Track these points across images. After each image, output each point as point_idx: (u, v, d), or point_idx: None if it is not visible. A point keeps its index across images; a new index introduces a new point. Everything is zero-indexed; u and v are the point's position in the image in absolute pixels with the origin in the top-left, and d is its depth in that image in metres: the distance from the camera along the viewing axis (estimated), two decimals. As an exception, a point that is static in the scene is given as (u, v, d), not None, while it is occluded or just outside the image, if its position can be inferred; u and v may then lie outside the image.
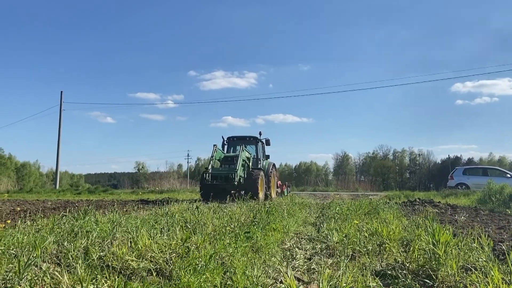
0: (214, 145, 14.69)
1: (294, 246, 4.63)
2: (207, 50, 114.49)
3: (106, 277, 2.82)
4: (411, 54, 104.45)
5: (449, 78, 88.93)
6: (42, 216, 6.38)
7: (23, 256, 2.84)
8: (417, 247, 3.82)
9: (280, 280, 3.03)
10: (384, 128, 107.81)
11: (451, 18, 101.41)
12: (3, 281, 2.71)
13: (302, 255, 4.09)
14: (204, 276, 2.74)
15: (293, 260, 3.86)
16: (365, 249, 4.17)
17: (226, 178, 13.66)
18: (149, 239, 3.92)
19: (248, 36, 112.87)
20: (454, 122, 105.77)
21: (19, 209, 10.09)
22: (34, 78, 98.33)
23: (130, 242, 3.78)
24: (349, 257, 3.95)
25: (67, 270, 2.94)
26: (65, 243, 3.75)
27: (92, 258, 3.38)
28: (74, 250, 3.51)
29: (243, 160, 14.78)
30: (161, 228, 4.79)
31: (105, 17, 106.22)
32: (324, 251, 4.38)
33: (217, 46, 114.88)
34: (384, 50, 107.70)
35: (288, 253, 4.26)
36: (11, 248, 3.57)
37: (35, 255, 2.94)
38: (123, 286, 2.22)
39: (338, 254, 4.10)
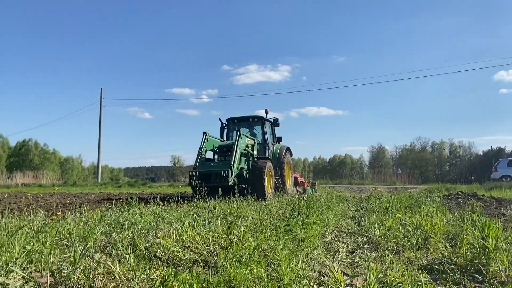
0: (204, 133, 11.68)
1: (335, 239, 4.60)
2: (240, 44, 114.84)
3: (154, 267, 2.91)
4: (452, 42, 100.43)
5: (493, 66, 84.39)
6: (88, 208, 6.66)
7: (77, 247, 2.97)
8: (465, 241, 3.70)
9: (323, 273, 3.02)
10: (422, 120, 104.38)
11: (494, 3, 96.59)
12: (58, 271, 2.85)
13: (344, 249, 4.06)
14: (250, 268, 2.77)
15: (335, 254, 3.84)
16: (409, 243, 4.09)
17: (220, 176, 10.51)
18: (192, 231, 4.01)
19: (281, 28, 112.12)
20: (497, 112, 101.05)
21: (68, 201, 10.54)
22: (75, 76, 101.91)
23: (175, 234, 3.87)
24: (393, 251, 3.88)
25: (114, 260, 3.05)
26: (113, 234, 3.90)
27: (139, 249, 3.50)
28: (122, 241, 3.64)
29: (243, 148, 11.78)
30: (202, 221, 4.89)
31: (142, 16, 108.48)
32: (366, 245, 4.33)
33: (250, 40, 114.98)
34: (423, 39, 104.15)
35: (330, 246, 4.24)
36: (62, 239, 3.75)
37: (88, 245, 3.07)
38: (173, 276, 2.29)
39: (382, 248, 4.04)
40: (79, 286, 2.54)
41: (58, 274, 2.79)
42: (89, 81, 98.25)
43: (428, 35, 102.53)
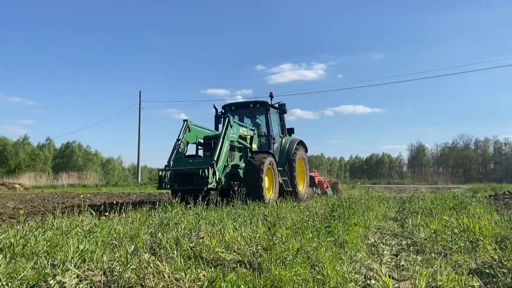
0: (184, 121, 9.24)
1: (378, 241, 4.53)
2: (274, 44, 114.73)
3: (200, 267, 2.98)
4: (496, 35, 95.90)
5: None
6: (132, 208, 6.88)
7: (127, 246, 3.08)
8: (517, 244, 3.56)
9: (369, 276, 2.98)
10: (464, 117, 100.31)
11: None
12: (110, 270, 2.97)
13: (388, 251, 3.99)
14: (294, 270, 2.78)
15: (379, 256, 3.78)
16: (457, 246, 3.96)
17: (199, 176, 7.94)
18: (234, 232, 4.07)
19: (316, 26, 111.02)
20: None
21: (114, 202, 10.91)
22: (116, 80, 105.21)
23: (218, 234, 3.94)
24: (440, 254, 3.78)
25: (162, 260, 3.15)
26: (159, 234, 4.02)
27: (183, 249, 3.59)
28: (167, 241, 3.74)
29: (235, 140, 9.37)
30: (243, 221, 4.95)
31: (176, 19, 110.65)
32: (411, 247, 4.24)
33: (284, 38, 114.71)
34: (465, 32, 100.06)
35: (373, 248, 4.18)
36: (111, 239, 3.90)
37: (138, 245, 3.18)
38: (221, 277, 2.34)
39: (428, 251, 3.94)
40: (130, 285, 2.63)
41: (110, 273, 2.91)
42: (129, 84, 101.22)
43: (469, 28, 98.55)
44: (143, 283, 2.64)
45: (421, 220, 5.48)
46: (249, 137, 10.20)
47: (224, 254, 3.37)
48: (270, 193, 9.32)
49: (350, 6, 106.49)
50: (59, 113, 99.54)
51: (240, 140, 9.60)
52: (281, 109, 11.60)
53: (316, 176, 13.82)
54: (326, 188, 13.90)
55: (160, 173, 8.61)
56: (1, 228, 4.09)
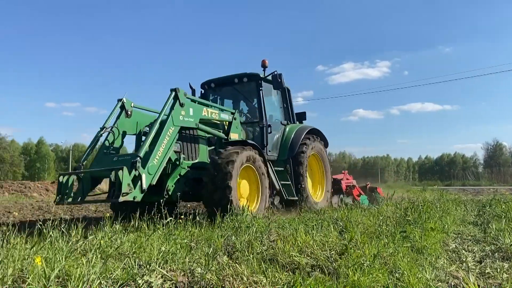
0: (118, 101, 6.14)
1: (460, 247, 4.30)
2: (335, 43, 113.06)
3: (276, 271, 3.02)
4: None
5: None
6: (203, 211, 7.12)
7: (205, 249, 3.21)
8: None
9: (454, 284, 2.85)
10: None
11: None
12: (190, 271, 3.10)
13: (471, 258, 3.78)
14: (373, 276, 2.74)
15: (462, 263, 3.59)
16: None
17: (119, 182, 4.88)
18: (306, 236, 4.07)
19: (378, 22, 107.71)
20: None
21: (188, 205, 11.35)
22: (174, 84, 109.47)
23: (291, 238, 3.97)
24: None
25: (238, 262, 3.23)
26: (232, 238, 4.13)
27: (256, 252, 3.66)
28: (240, 244, 3.83)
29: (194, 128, 6.48)
30: (313, 226, 4.93)
31: (237, 25, 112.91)
32: (496, 253, 3.98)
33: (344, 37, 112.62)
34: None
35: (454, 255, 3.97)
36: (188, 242, 4.07)
37: (217, 248, 3.30)
38: (301, 281, 2.36)
39: (516, 258, 3.68)
40: (211, 286, 2.74)
41: (190, 274, 3.05)
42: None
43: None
44: (223, 285, 2.73)
45: (505, 224, 5.12)
46: (226, 122, 7.26)
47: (299, 258, 3.39)
48: (252, 205, 6.44)
49: None
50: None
51: (202, 126, 6.57)
52: (276, 82, 7.64)
53: (344, 180, 9.98)
54: (358, 195, 9.83)
55: (61, 179, 5.41)
56: (89, 230, 4.43)
